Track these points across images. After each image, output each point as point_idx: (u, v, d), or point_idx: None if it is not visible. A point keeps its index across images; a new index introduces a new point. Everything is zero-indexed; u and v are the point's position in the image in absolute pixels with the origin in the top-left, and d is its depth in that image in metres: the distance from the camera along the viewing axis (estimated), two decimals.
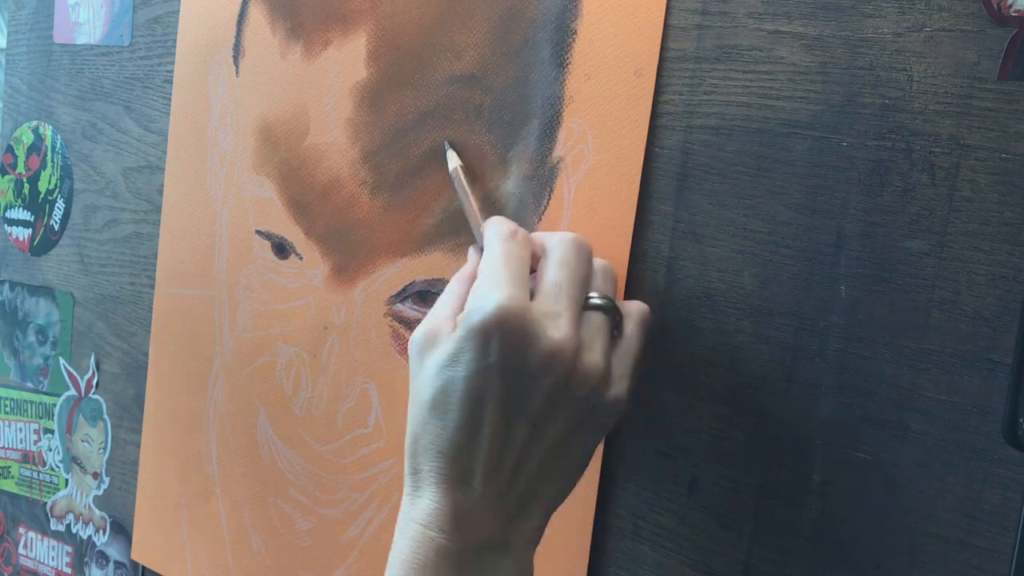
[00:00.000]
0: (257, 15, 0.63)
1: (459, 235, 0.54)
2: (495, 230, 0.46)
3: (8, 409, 0.86)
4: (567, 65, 0.50)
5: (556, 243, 0.45)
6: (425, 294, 0.56)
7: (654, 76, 0.48)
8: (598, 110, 0.49)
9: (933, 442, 0.41)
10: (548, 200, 0.51)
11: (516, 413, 0.41)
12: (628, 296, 0.49)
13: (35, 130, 0.82)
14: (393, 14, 0.56)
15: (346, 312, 0.59)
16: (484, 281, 0.42)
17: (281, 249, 0.63)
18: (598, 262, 0.46)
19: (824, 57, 0.43)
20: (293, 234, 0.62)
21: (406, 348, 0.57)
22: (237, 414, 0.66)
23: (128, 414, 0.76)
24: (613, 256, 0.49)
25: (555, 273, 0.43)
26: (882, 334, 0.42)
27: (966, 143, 0.40)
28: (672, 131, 0.47)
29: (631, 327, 0.45)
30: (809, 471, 0.44)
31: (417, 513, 0.42)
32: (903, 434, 0.42)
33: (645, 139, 0.48)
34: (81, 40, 0.77)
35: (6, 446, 0.86)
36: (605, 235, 0.49)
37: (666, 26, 0.47)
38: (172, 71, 0.70)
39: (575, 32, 0.50)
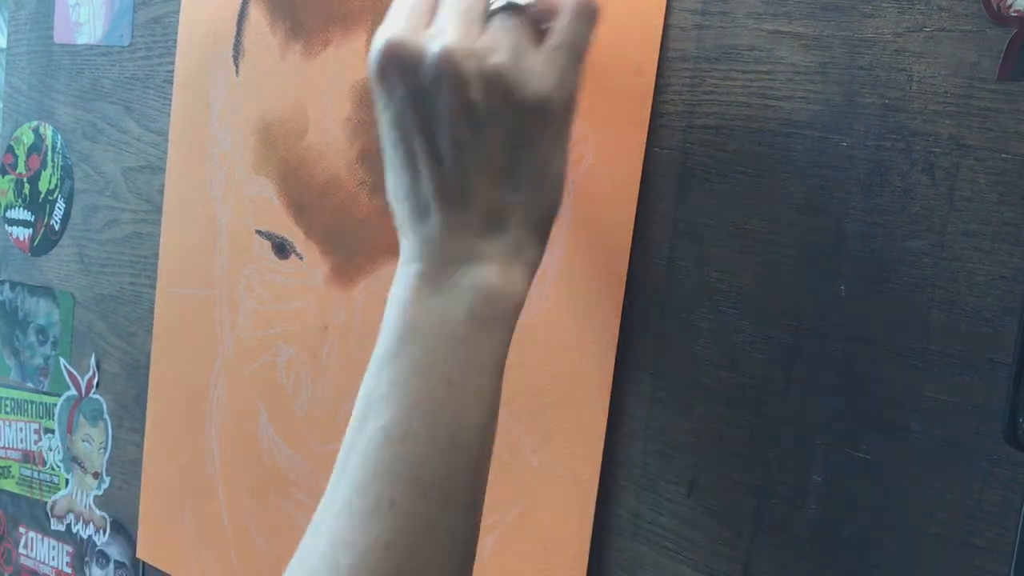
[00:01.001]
0: (257, 15, 0.63)
1: None
2: None
3: (8, 409, 0.86)
4: None
5: None
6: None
7: (654, 76, 0.48)
8: (598, 110, 0.49)
9: (933, 442, 0.41)
10: None
11: (438, 135, 0.41)
12: (627, 297, 0.49)
13: (35, 130, 0.82)
14: None
15: (346, 312, 0.59)
16: (384, 21, 0.42)
17: (281, 249, 0.63)
18: None
19: (824, 57, 0.43)
20: (293, 234, 0.62)
21: None
22: (238, 414, 0.66)
23: (128, 414, 0.76)
24: (613, 256, 0.49)
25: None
26: (882, 334, 0.42)
27: (966, 143, 0.40)
28: (672, 131, 0.47)
29: (561, 21, 0.42)
30: (809, 471, 0.44)
31: (400, 258, 0.43)
32: (903, 434, 0.42)
33: (645, 139, 0.48)
34: (81, 40, 0.77)
35: (7, 446, 0.86)
36: (605, 235, 0.49)
37: (666, 26, 0.47)
38: (172, 71, 0.70)
39: None
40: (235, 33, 0.65)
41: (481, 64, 0.40)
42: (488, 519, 0.54)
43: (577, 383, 0.50)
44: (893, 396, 0.42)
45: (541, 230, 0.43)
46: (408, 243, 0.43)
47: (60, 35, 0.79)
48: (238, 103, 0.65)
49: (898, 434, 0.42)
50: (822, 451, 0.44)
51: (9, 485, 0.86)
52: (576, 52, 0.42)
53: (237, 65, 0.65)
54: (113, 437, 0.77)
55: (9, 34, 0.85)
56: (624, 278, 0.49)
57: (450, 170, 0.41)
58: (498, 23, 0.41)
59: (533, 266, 0.43)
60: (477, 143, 0.41)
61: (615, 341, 0.49)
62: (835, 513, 0.44)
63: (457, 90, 0.40)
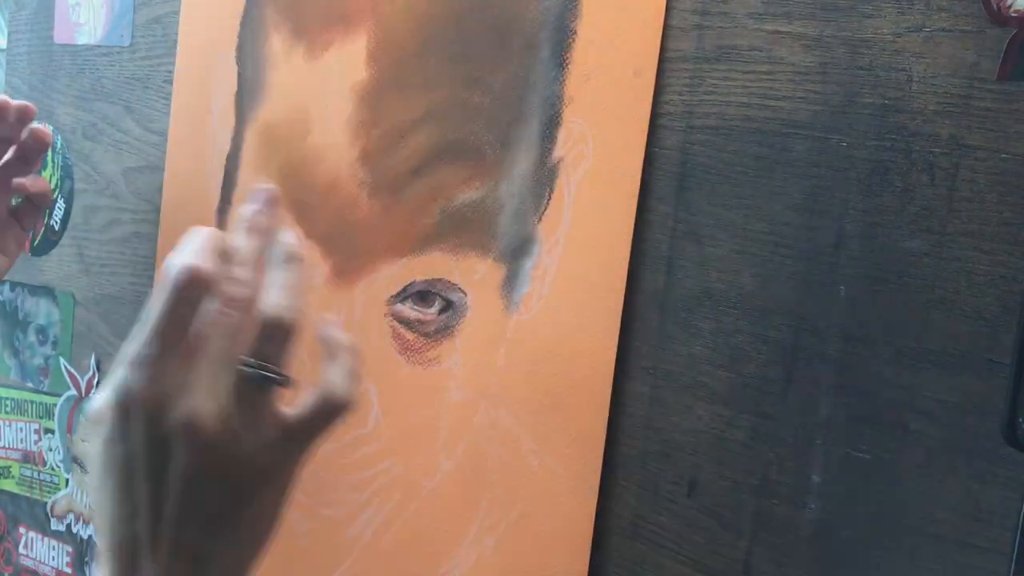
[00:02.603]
0: (260, 16, 0.64)
1: (459, 235, 0.54)
2: (165, 275, 0.42)
3: (8, 409, 0.86)
4: (567, 65, 0.50)
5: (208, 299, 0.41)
6: (425, 294, 0.56)
7: (654, 76, 0.48)
8: (598, 110, 0.49)
9: (933, 442, 0.41)
10: (548, 200, 0.51)
11: (167, 482, 0.40)
12: (627, 297, 0.49)
13: None
14: (393, 15, 0.57)
15: (346, 312, 0.59)
16: (132, 348, 0.40)
17: None
18: (272, 301, 0.42)
19: (824, 57, 0.43)
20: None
21: (406, 348, 0.57)
22: None
23: None
24: (613, 256, 0.49)
25: (200, 333, 0.41)
26: (882, 334, 0.42)
27: (965, 143, 0.40)
28: (672, 131, 0.47)
29: (311, 396, 0.42)
30: (809, 471, 0.44)
31: None
32: (903, 434, 0.42)
33: (645, 139, 0.48)
34: (81, 40, 0.77)
35: (7, 446, 0.86)
36: (605, 235, 0.49)
37: (666, 27, 0.47)
38: (172, 71, 0.70)
39: (575, 33, 0.50)
40: (237, 34, 0.65)
41: (223, 425, 0.39)
42: (489, 519, 0.54)
43: (577, 383, 0.50)
44: (893, 396, 0.42)
45: (245, 570, 0.43)
46: (108, 571, 0.41)
47: (60, 35, 0.79)
48: (239, 104, 0.65)
49: (898, 434, 0.42)
50: (822, 451, 0.44)
51: (9, 485, 0.86)
52: (312, 438, 0.42)
53: (239, 65, 0.65)
54: None
55: (9, 34, 0.85)
56: (624, 278, 0.49)
57: (170, 521, 0.40)
58: (240, 392, 0.41)
59: None
60: (202, 502, 0.40)
61: (615, 341, 0.49)
62: (835, 513, 0.44)
63: (190, 451, 0.39)
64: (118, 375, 0.40)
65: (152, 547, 0.41)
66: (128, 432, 0.40)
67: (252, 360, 0.41)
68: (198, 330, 0.40)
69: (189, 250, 0.41)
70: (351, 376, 0.43)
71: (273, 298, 0.41)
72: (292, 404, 0.41)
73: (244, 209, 0.44)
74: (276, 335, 0.41)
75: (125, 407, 0.39)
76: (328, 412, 0.42)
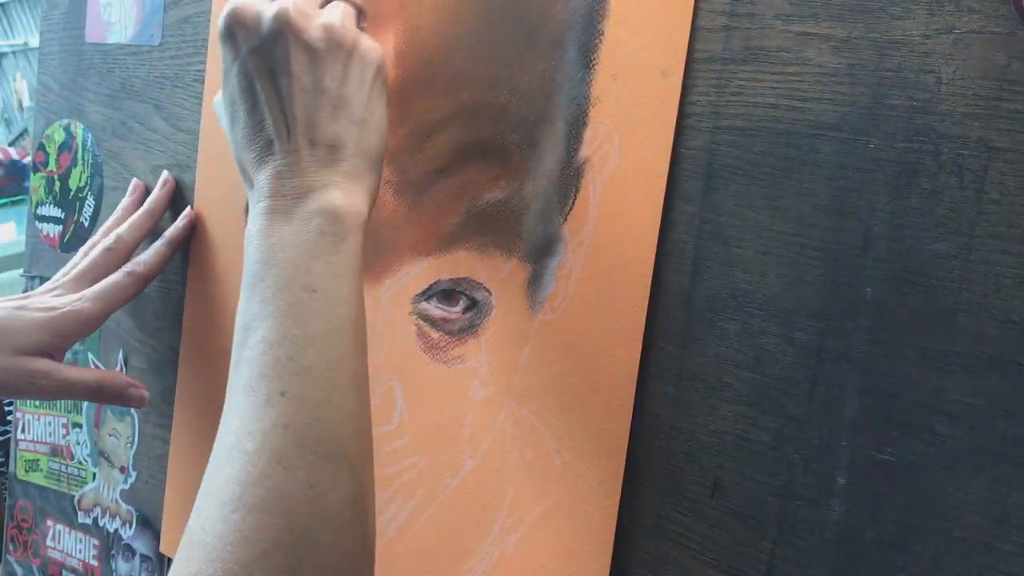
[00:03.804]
0: None
1: (484, 234, 0.55)
2: None
3: (37, 403, 0.87)
4: (594, 66, 0.50)
5: None
6: (450, 293, 0.56)
7: (681, 77, 0.48)
8: (624, 111, 0.49)
9: (959, 445, 0.41)
10: (574, 200, 0.51)
11: (278, 79, 0.49)
12: (652, 298, 0.49)
13: (66, 128, 0.83)
14: (419, 15, 0.57)
15: (372, 310, 0.60)
16: None
17: None
18: None
19: (852, 59, 0.43)
20: None
21: (431, 346, 0.57)
22: None
23: (155, 409, 0.77)
24: (638, 256, 0.49)
25: None
26: (908, 336, 0.42)
27: (995, 145, 0.39)
28: (698, 132, 0.48)
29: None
30: (833, 473, 0.44)
31: (249, 201, 0.50)
32: (929, 436, 0.42)
33: (671, 140, 0.48)
34: (112, 39, 0.78)
35: (35, 439, 0.87)
36: (631, 236, 0.49)
37: (693, 28, 0.47)
38: (202, 70, 0.71)
39: (602, 33, 0.50)
40: None
41: (318, 20, 0.50)
42: (511, 517, 0.54)
43: (601, 383, 0.51)
44: (919, 398, 0.42)
45: (373, 161, 0.50)
46: (255, 185, 0.49)
47: (91, 34, 0.80)
48: None
49: (924, 436, 0.42)
50: (847, 453, 0.44)
51: (37, 478, 0.87)
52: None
53: None
54: (139, 432, 0.78)
55: (42, 33, 0.86)
56: (649, 278, 0.49)
57: (291, 107, 0.48)
58: (331, 4, 0.52)
59: (371, 192, 0.50)
60: (314, 79, 0.49)
61: (640, 341, 0.49)
62: (859, 515, 0.44)
63: (295, 36, 0.48)
64: (222, 12, 0.50)
65: (281, 143, 0.49)
66: (236, 47, 0.49)
67: None
68: None
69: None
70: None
71: None
72: None
73: None
74: None
75: (228, 30, 0.49)
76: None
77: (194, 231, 0.71)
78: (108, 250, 0.69)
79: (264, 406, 0.43)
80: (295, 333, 0.44)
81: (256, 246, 0.47)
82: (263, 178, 0.49)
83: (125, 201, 0.74)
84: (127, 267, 0.68)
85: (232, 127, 0.51)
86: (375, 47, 0.52)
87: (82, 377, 0.66)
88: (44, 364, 0.64)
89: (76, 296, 0.66)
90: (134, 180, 0.75)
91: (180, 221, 0.71)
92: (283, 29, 0.48)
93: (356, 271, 0.48)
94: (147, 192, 0.74)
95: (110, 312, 0.67)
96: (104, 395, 0.68)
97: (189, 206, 0.71)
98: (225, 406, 0.46)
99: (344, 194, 0.48)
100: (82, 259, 0.69)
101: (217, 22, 0.49)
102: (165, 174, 0.73)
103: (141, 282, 0.68)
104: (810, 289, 0.45)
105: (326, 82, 0.49)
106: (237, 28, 0.49)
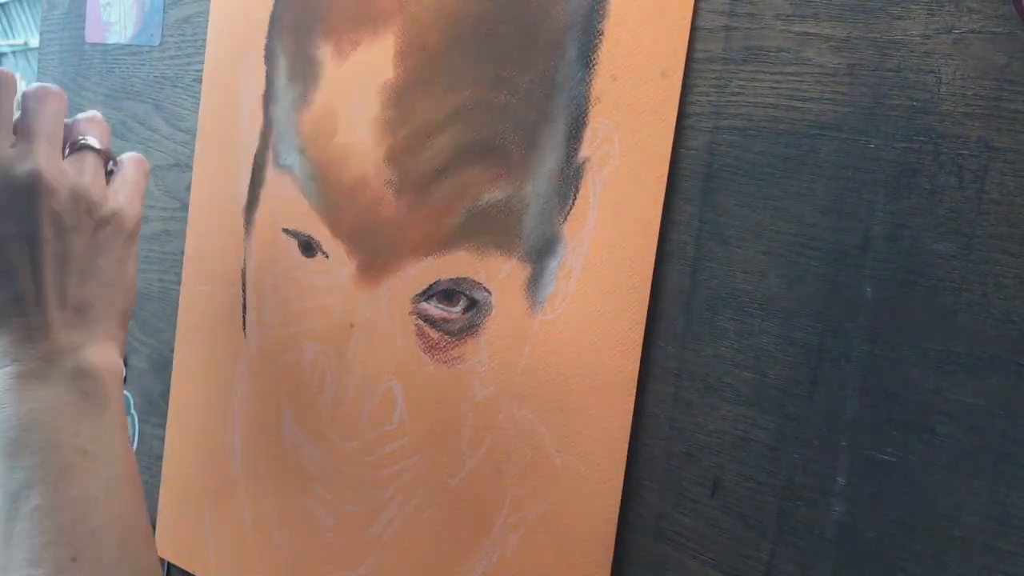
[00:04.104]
0: (288, 16, 0.64)
1: (484, 234, 0.55)
2: None
3: None
4: (593, 66, 0.50)
5: (26, 92, 0.51)
6: (450, 293, 0.56)
7: (681, 77, 0.48)
8: (624, 111, 0.49)
9: (959, 445, 0.41)
10: (574, 200, 0.51)
11: (29, 239, 0.48)
12: (652, 298, 0.49)
13: None
14: (420, 15, 0.57)
15: (372, 310, 0.60)
16: None
17: (308, 247, 0.63)
18: (86, 113, 0.55)
19: (852, 59, 0.43)
20: (320, 232, 0.63)
21: (431, 347, 0.57)
22: (262, 410, 0.67)
23: (155, 409, 0.76)
24: (638, 256, 0.49)
25: (23, 118, 0.50)
26: (908, 336, 0.42)
27: (995, 145, 0.39)
28: (698, 132, 0.48)
29: (127, 163, 0.55)
30: (833, 473, 0.44)
31: None
32: (929, 437, 0.42)
33: (671, 140, 0.48)
34: (112, 40, 0.78)
35: None
36: (631, 235, 0.49)
37: (693, 27, 0.47)
38: (201, 71, 0.71)
39: (602, 33, 0.50)
40: (266, 34, 0.65)
41: (69, 182, 0.49)
42: (511, 517, 0.54)
43: (601, 383, 0.51)
44: (919, 398, 0.42)
45: (123, 319, 0.52)
46: (1, 344, 0.48)
47: (91, 35, 0.80)
48: (267, 103, 0.66)
49: (924, 437, 0.42)
50: (847, 453, 0.44)
51: None
52: (137, 184, 0.54)
53: (268, 65, 0.65)
54: (140, 433, 0.78)
55: (42, 33, 0.86)
56: (649, 278, 0.49)
57: (41, 271, 0.48)
58: (86, 156, 0.52)
59: (122, 347, 0.51)
60: (64, 247, 0.48)
61: (640, 341, 0.49)
62: (859, 515, 0.44)
63: (45, 201, 0.48)
64: None
65: (35, 302, 0.48)
66: None
67: (77, 140, 0.51)
68: (27, 122, 0.50)
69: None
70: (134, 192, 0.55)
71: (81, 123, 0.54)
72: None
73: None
74: (93, 122, 0.54)
75: None
76: (136, 161, 0.56)
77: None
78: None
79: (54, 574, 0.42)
80: (74, 496, 0.44)
81: (11, 412, 0.46)
82: (6, 340, 0.48)
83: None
84: None
85: None
86: (128, 212, 0.53)
87: None
88: None
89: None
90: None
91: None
92: (32, 192, 0.48)
93: (123, 427, 0.48)
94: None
95: None
96: None
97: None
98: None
99: (99, 354, 0.48)
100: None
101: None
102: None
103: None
104: (810, 289, 0.45)
105: (76, 250, 0.49)
106: None
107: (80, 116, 0.54)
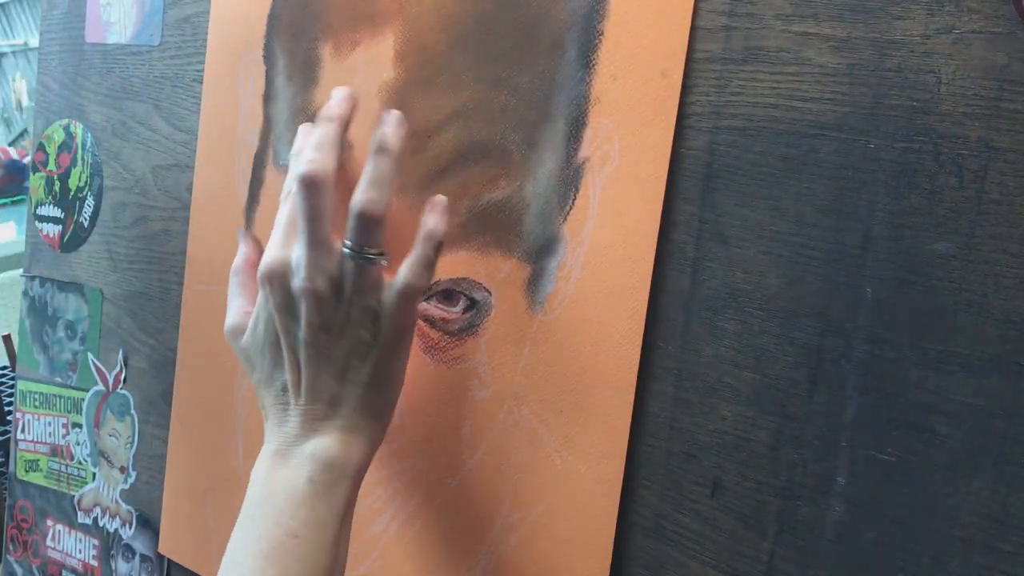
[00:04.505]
0: (288, 16, 0.64)
1: (484, 234, 0.55)
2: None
3: (37, 403, 0.87)
4: (593, 66, 0.50)
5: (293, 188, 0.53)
6: (450, 293, 0.56)
7: (680, 77, 0.48)
8: (624, 111, 0.49)
9: (959, 445, 0.41)
10: (573, 200, 0.51)
11: (298, 339, 0.52)
12: (652, 298, 0.49)
13: (66, 128, 0.83)
14: (420, 15, 0.57)
15: None
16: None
17: None
18: (358, 198, 0.51)
19: (852, 59, 0.43)
20: None
21: (430, 347, 0.57)
22: None
23: (155, 409, 0.77)
24: (638, 256, 0.49)
25: (276, 231, 0.54)
26: (908, 336, 0.42)
27: (995, 145, 0.39)
28: (698, 132, 0.47)
29: (406, 269, 0.52)
30: (833, 473, 0.44)
31: (265, 429, 0.54)
32: (929, 437, 0.42)
33: (671, 140, 0.48)
34: (112, 40, 0.78)
35: (35, 439, 0.87)
36: (631, 236, 0.49)
37: (693, 27, 0.47)
38: (201, 70, 0.71)
39: (601, 33, 0.50)
40: (265, 33, 0.65)
41: (331, 299, 0.51)
42: (511, 517, 0.54)
43: (601, 383, 0.51)
44: (919, 399, 0.42)
45: (378, 414, 0.53)
46: (269, 425, 0.54)
47: (91, 35, 0.80)
48: (267, 103, 0.66)
49: (924, 437, 0.42)
50: (847, 453, 0.44)
51: (37, 478, 0.87)
52: (414, 285, 0.52)
53: (267, 65, 0.65)
54: (139, 432, 0.78)
55: (42, 33, 0.86)
56: (649, 278, 0.49)
57: (306, 371, 0.52)
58: (347, 264, 0.51)
59: (372, 440, 0.53)
60: (329, 355, 0.52)
61: (640, 341, 0.49)
62: (859, 515, 0.44)
63: (311, 318, 0.51)
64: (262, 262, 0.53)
65: (294, 394, 0.53)
66: (267, 299, 0.53)
67: (349, 243, 0.51)
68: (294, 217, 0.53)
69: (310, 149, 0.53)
70: (422, 266, 0.52)
71: (359, 192, 0.51)
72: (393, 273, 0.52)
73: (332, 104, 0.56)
74: (365, 225, 0.51)
75: (263, 283, 0.53)
76: (407, 294, 0.52)
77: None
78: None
79: None
80: (271, 574, 0.48)
81: (259, 485, 0.52)
82: (273, 421, 0.53)
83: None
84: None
85: (253, 370, 0.55)
86: (404, 329, 0.53)
87: None
88: None
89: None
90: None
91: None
92: (307, 314, 0.51)
93: (342, 517, 0.51)
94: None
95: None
96: None
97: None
98: None
99: (338, 444, 0.51)
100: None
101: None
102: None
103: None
104: (810, 289, 0.45)
105: (336, 353, 0.52)
106: (270, 279, 0.52)
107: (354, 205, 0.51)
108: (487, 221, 0.54)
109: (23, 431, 0.88)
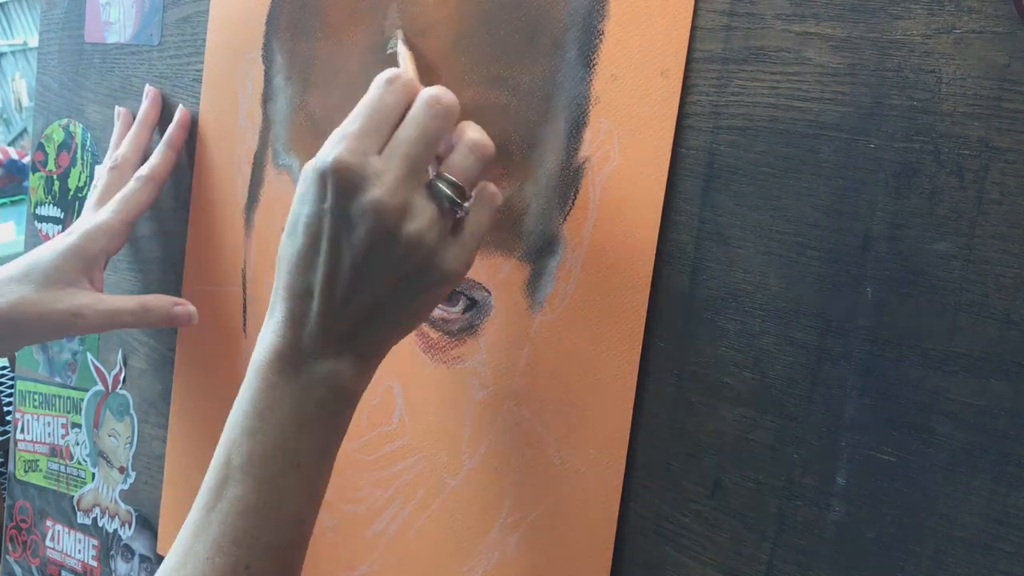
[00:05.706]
0: (288, 15, 0.64)
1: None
2: (378, 75, 0.48)
3: (37, 403, 0.87)
4: (594, 66, 0.50)
5: (418, 99, 0.48)
6: (450, 293, 0.56)
7: (681, 77, 0.48)
8: (624, 111, 0.49)
9: (959, 445, 0.41)
10: (573, 200, 0.51)
11: (344, 251, 0.46)
12: (652, 298, 0.49)
13: (66, 128, 0.83)
14: (420, 16, 0.57)
15: None
16: (339, 129, 0.47)
17: None
18: (469, 136, 0.48)
19: (852, 59, 0.43)
20: None
21: (430, 347, 0.57)
22: None
23: (154, 409, 0.77)
24: (638, 256, 0.49)
25: (401, 131, 0.47)
26: (908, 336, 0.42)
27: (995, 145, 0.39)
28: (698, 132, 0.47)
29: (477, 211, 0.49)
30: (833, 473, 0.44)
31: (268, 325, 0.48)
32: (929, 437, 0.42)
33: (671, 140, 0.48)
34: (112, 39, 0.78)
35: (35, 440, 0.87)
36: (631, 236, 0.49)
37: (693, 27, 0.47)
38: (201, 71, 0.71)
39: (602, 33, 0.50)
40: (264, 33, 0.65)
41: (405, 227, 0.46)
42: (512, 517, 0.54)
43: (602, 383, 0.51)
44: (919, 399, 0.42)
45: (389, 346, 0.50)
46: (280, 309, 0.48)
47: (91, 34, 0.80)
48: (266, 103, 0.66)
49: (924, 437, 0.42)
50: (847, 453, 0.44)
51: (36, 479, 0.87)
52: (479, 239, 0.49)
53: (266, 65, 0.65)
54: (139, 432, 0.78)
55: (41, 33, 0.86)
56: (649, 279, 0.49)
57: (342, 284, 0.46)
58: (435, 192, 0.47)
59: (373, 371, 0.50)
60: (371, 279, 0.47)
61: (640, 342, 0.49)
62: (859, 515, 0.44)
63: (375, 237, 0.45)
64: (325, 149, 0.46)
65: (321, 302, 0.47)
66: (323, 197, 0.46)
67: (442, 174, 0.47)
68: (400, 132, 0.47)
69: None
70: (485, 225, 0.49)
71: (477, 130, 0.49)
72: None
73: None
74: (473, 154, 0.48)
75: (324, 176, 0.46)
76: (488, 206, 0.49)
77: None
78: (114, 168, 0.70)
79: (229, 574, 0.45)
80: (272, 505, 0.46)
81: (256, 390, 0.47)
82: (288, 310, 0.47)
83: (117, 127, 0.75)
84: (136, 173, 0.69)
85: (287, 234, 0.49)
86: (449, 274, 0.48)
87: (124, 305, 0.66)
88: (85, 296, 0.65)
89: (92, 215, 0.67)
90: (118, 108, 0.75)
91: (174, 122, 0.71)
92: (370, 231, 0.45)
93: (339, 444, 0.49)
94: (134, 116, 0.74)
95: (129, 220, 0.67)
96: (151, 318, 0.66)
97: (180, 105, 0.72)
98: (191, 533, 0.46)
99: (352, 370, 0.48)
100: (93, 189, 0.70)
101: (317, 161, 0.46)
102: (147, 87, 0.74)
103: (152, 185, 0.68)
104: (810, 289, 0.44)
105: (380, 285, 0.47)
106: (331, 185, 0.46)
107: (463, 138, 0.49)
108: None
109: (22, 431, 0.88)
